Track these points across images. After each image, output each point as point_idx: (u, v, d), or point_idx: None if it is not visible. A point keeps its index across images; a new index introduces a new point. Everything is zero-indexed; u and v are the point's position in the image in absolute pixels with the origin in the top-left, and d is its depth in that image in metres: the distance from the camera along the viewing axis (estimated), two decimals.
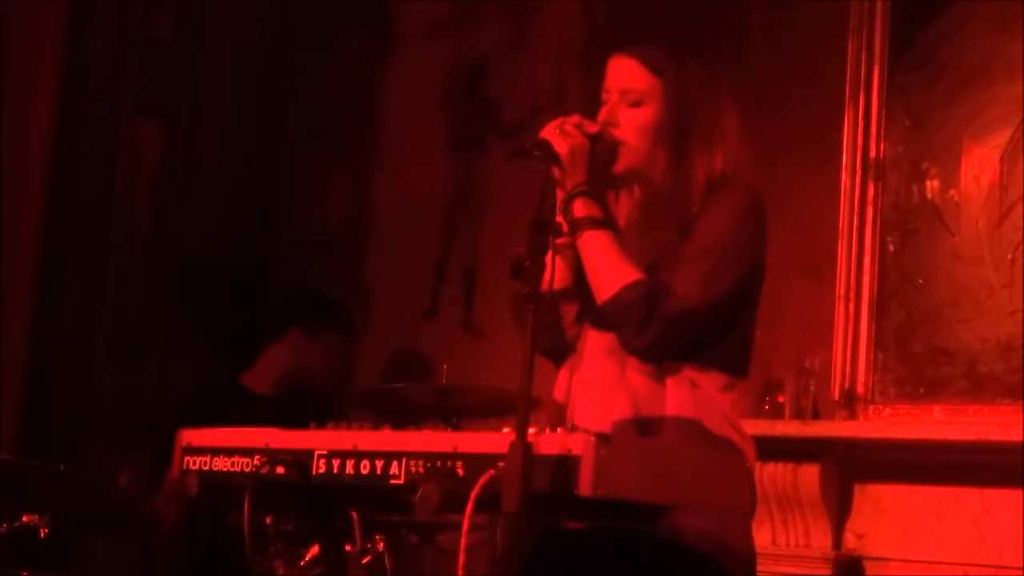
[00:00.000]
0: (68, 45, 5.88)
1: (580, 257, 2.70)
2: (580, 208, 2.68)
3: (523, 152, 2.67)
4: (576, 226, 2.68)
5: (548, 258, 2.42)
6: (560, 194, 2.68)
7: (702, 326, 2.66)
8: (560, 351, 2.81)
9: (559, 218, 2.66)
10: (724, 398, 2.71)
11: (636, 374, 2.68)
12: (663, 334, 2.62)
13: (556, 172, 2.65)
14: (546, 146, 2.64)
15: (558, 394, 2.77)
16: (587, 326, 2.77)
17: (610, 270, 2.66)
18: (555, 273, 2.53)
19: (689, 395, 2.66)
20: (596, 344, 2.73)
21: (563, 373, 2.79)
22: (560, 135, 2.66)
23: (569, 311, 2.81)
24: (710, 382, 2.69)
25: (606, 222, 2.70)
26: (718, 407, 2.69)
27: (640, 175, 2.77)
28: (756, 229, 2.74)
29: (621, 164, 2.75)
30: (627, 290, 2.63)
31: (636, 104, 2.76)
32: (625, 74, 2.78)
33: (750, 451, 2.73)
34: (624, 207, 2.82)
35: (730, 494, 2.56)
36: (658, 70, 2.76)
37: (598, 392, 2.69)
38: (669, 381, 2.67)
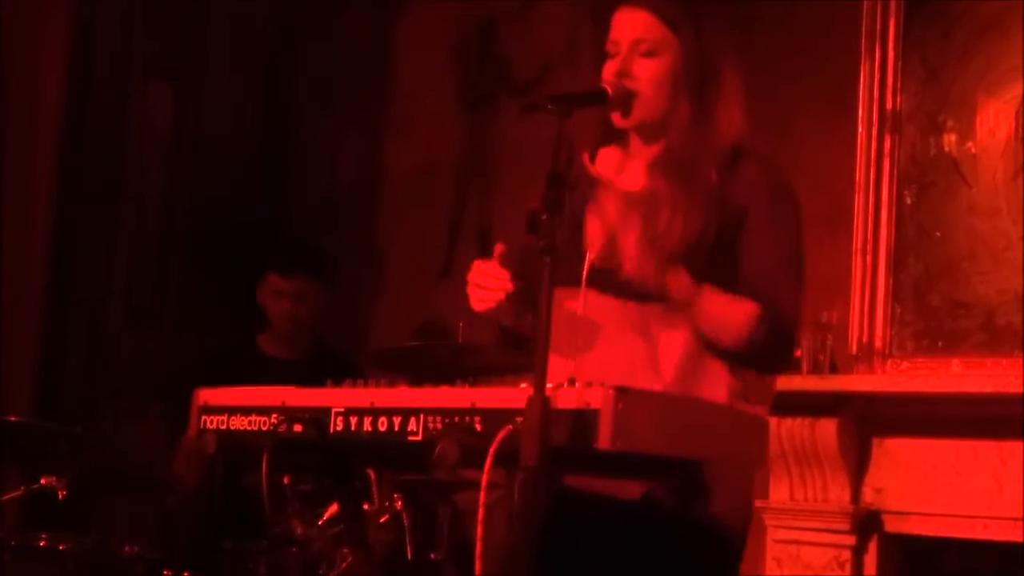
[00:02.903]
0: (77, 10, 5.86)
1: (697, 323, 2.68)
2: (680, 289, 2.66)
3: (537, 107, 2.64)
4: (681, 304, 2.67)
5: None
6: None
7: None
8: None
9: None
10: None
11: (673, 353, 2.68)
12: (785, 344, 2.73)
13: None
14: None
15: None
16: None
17: (729, 314, 2.66)
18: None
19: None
20: (619, 317, 2.71)
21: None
22: None
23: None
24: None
25: (698, 284, 2.68)
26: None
27: (658, 128, 2.74)
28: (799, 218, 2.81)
29: (635, 116, 2.73)
30: (757, 327, 2.65)
31: (650, 54, 2.72)
32: (637, 25, 2.74)
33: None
34: (641, 159, 2.79)
35: (747, 448, 2.56)
36: (672, 24, 2.72)
37: (625, 370, 2.65)
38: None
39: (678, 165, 2.70)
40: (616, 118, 2.74)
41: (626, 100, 2.71)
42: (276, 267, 5.06)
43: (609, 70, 2.73)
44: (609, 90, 2.69)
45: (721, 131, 2.70)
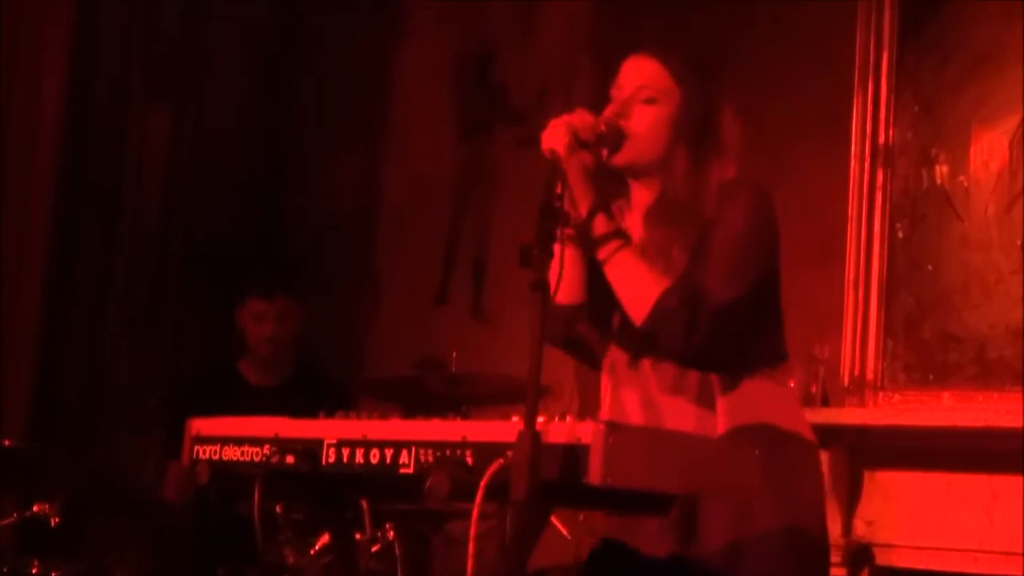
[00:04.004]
0: (77, 29, 5.88)
1: (607, 277, 2.67)
2: (601, 225, 2.67)
3: (530, 140, 2.66)
4: (598, 244, 2.67)
5: (556, 248, 2.41)
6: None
7: (738, 321, 2.64)
8: (594, 360, 2.84)
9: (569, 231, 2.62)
10: (790, 388, 2.81)
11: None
12: (709, 333, 2.60)
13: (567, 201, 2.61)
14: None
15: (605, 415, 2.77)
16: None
17: (643, 284, 2.64)
18: (566, 286, 2.53)
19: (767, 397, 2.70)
20: (660, 382, 2.72)
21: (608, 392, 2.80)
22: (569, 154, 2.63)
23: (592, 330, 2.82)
24: (776, 379, 2.75)
25: (627, 236, 2.69)
26: (791, 402, 2.78)
27: (648, 173, 2.76)
28: (770, 225, 2.73)
29: (623, 155, 2.74)
30: (666, 297, 2.61)
31: (650, 101, 2.75)
32: (644, 73, 2.77)
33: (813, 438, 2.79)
34: (638, 209, 2.80)
35: (739, 482, 2.57)
36: (678, 77, 2.75)
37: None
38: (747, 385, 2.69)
39: (672, 212, 2.72)
40: (604, 155, 2.75)
41: (617, 138, 2.72)
42: (256, 291, 5.05)
43: (609, 111, 2.76)
44: (603, 126, 2.71)
45: (711, 186, 2.72)
